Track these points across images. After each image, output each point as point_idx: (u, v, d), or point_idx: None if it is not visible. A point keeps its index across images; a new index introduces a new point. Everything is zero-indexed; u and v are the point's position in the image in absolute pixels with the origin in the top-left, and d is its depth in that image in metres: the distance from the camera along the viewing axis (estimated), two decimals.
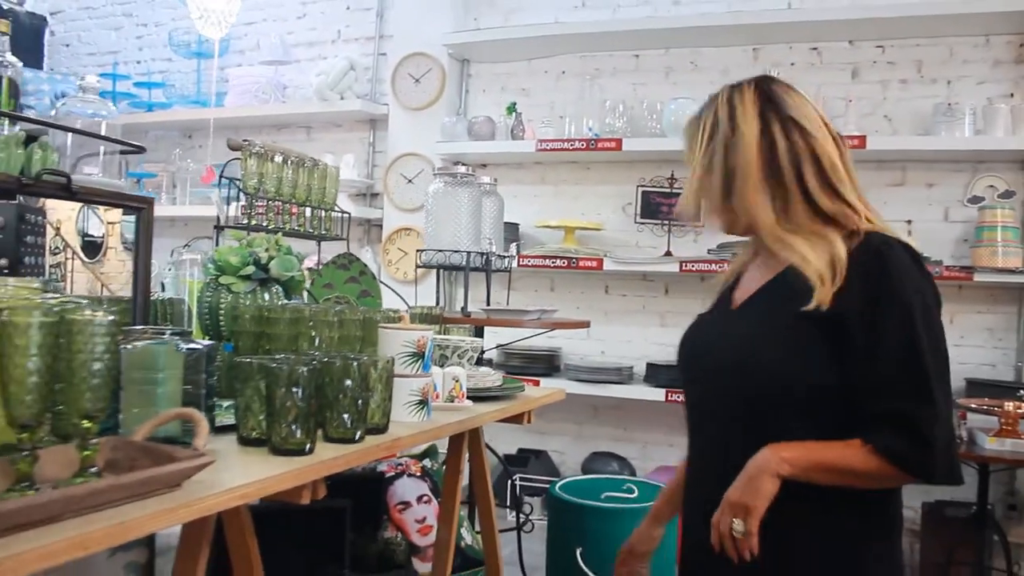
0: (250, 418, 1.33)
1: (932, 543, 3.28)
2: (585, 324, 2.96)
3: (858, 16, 3.47)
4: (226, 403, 1.45)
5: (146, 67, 5.10)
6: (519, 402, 2.02)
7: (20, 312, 0.96)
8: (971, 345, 3.41)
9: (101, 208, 2.36)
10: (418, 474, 2.45)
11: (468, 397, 1.87)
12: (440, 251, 2.57)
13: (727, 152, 1.38)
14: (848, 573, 1.29)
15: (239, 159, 2.15)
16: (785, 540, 1.27)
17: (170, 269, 2.22)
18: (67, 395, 1.04)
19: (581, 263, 3.72)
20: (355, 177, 4.36)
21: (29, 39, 5.03)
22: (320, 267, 2.45)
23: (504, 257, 2.76)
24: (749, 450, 1.27)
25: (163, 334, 1.26)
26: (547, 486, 2.78)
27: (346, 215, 2.49)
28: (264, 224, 2.18)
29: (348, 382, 1.38)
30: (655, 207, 3.79)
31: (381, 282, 2.50)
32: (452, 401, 1.81)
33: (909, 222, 3.58)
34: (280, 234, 2.01)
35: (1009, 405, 2.90)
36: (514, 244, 3.09)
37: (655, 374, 3.64)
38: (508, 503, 3.36)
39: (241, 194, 2.16)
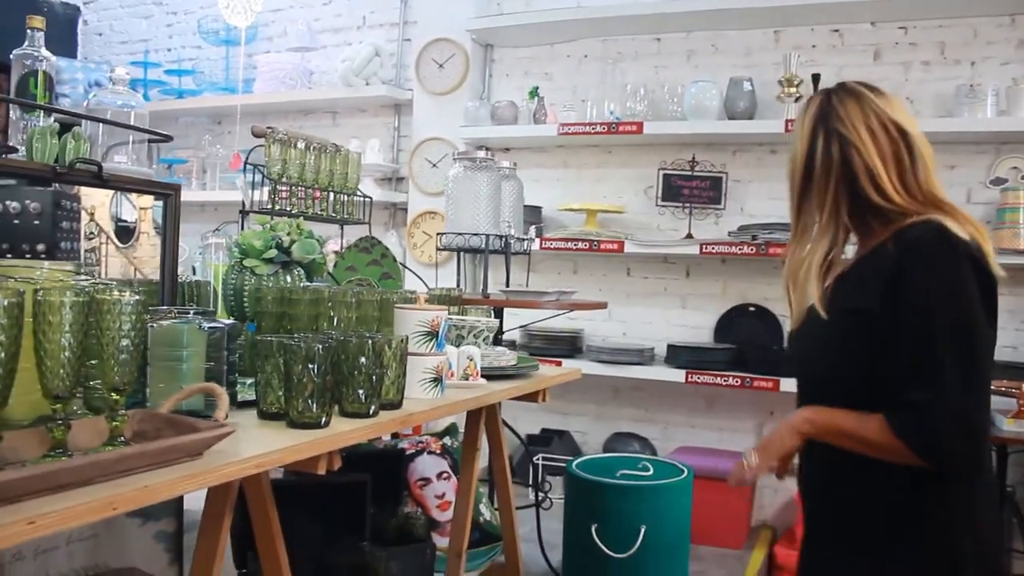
0: (269, 393, 1.40)
1: None
2: (602, 305, 3.01)
3: None
4: (248, 380, 1.53)
5: (176, 55, 5.20)
6: (533, 380, 2.08)
7: (53, 292, 1.04)
8: None
9: (133, 194, 2.45)
10: (438, 452, 2.52)
11: (482, 375, 1.94)
12: (460, 234, 2.62)
13: (790, 167, 1.55)
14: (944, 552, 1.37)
15: (263, 146, 2.22)
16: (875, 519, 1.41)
17: (200, 253, 2.30)
18: (98, 370, 1.12)
19: (602, 246, 3.76)
20: (380, 162, 4.42)
21: (63, 29, 5.14)
22: (344, 251, 2.52)
23: (523, 240, 2.81)
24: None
25: (187, 314, 1.33)
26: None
27: (368, 199, 2.56)
28: (288, 209, 2.25)
29: (363, 359, 1.45)
30: (676, 190, 3.81)
31: (403, 265, 2.57)
32: (467, 379, 1.88)
33: None
34: (302, 218, 2.09)
35: None
36: (533, 227, 3.13)
37: (675, 355, 3.67)
38: (530, 482, 3.43)
39: (265, 180, 2.24)
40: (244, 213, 2.21)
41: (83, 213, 2.43)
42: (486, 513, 2.52)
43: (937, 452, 1.28)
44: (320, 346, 1.37)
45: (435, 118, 4.29)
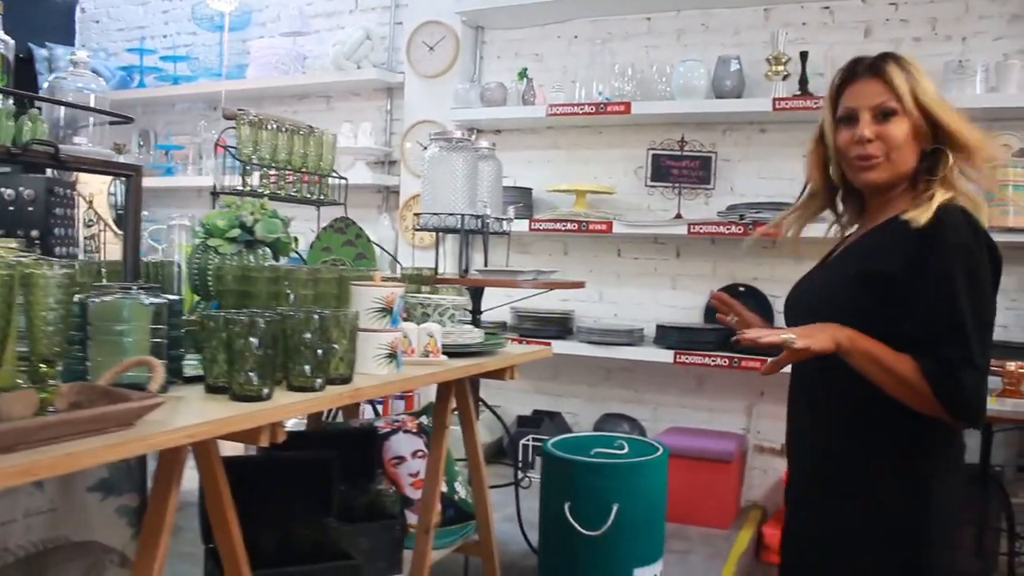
0: (215, 367, 1.42)
1: None
2: (580, 284, 3.01)
3: None
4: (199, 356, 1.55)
5: (172, 41, 5.23)
6: (497, 358, 2.09)
7: None
8: None
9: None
10: (414, 431, 2.54)
11: (445, 353, 1.95)
12: (435, 214, 2.63)
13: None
14: (914, 494, 1.51)
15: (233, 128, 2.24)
16: (863, 465, 1.54)
17: (167, 233, 2.33)
18: (28, 342, 1.15)
19: (591, 226, 3.76)
20: (373, 145, 4.44)
21: (62, 17, 5.20)
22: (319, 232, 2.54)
23: (501, 220, 2.81)
24: (823, 386, 1.59)
25: (130, 289, 1.35)
26: None
27: (343, 180, 2.57)
28: (259, 190, 2.27)
29: (307, 335, 1.47)
30: (665, 170, 3.80)
31: (377, 244, 2.59)
32: (427, 356, 1.89)
33: None
34: (266, 198, 2.10)
35: (1011, 365, 2.89)
36: (512, 207, 3.13)
37: (664, 336, 3.67)
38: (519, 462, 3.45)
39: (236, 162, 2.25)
40: (215, 194, 2.23)
41: (81, 201, 2.47)
42: (461, 491, 2.54)
43: (958, 402, 1.42)
44: (262, 320, 1.39)
45: (426, 101, 4.29)
